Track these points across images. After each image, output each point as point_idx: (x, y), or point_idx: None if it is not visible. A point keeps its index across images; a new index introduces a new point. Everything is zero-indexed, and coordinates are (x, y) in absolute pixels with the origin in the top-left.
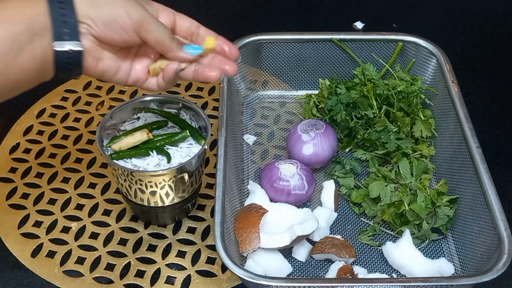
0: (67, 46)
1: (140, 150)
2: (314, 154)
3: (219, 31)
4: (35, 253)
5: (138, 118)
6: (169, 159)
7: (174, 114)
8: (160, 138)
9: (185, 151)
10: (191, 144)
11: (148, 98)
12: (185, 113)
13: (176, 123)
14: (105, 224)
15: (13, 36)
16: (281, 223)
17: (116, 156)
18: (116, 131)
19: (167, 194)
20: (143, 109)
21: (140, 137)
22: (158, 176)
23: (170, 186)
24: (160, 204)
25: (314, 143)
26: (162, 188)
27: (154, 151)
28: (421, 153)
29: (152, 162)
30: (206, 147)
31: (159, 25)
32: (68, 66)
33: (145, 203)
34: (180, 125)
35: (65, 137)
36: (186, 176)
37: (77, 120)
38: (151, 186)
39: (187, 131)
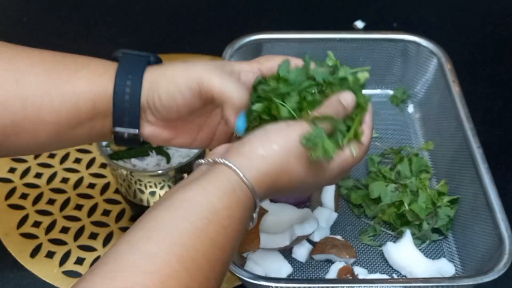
0: (126, 132)
1: (140, 150)
2: None
3: (219, 30)
4: (34, 253)
5: None
6: (168, 159)
7: None
8: None
9: (185, 151)
10: None
11: None
12: None
13: None
14: (104, 225)
15: (76, 112)
16: (281, 223)
17: (115, 156)
18: None
19: (160, 196)
20: None
21: None
22: (157, 176)
23: (169, 186)
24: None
25: None
26: (161, 188)
27: (153, 151)
28: (419, 149)
29: (151, 162)
30: None
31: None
32: (127, 142)
33: (145, 203)
34: None
35: None
36: (185, 176)
37: None
38: (151, 186)
39: None
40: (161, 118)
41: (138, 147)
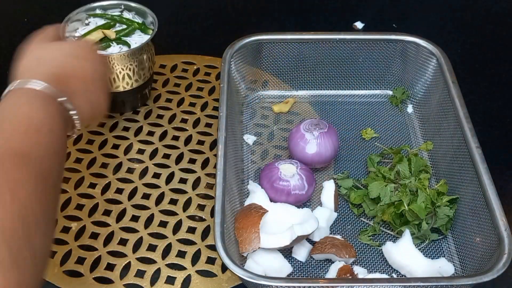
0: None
1: (102, 45)
2: (317, 154)
3: (219, 31)
4: None
5: (89, 23)
6: (128, 45)
7: (119, 15)
8: (115, 32)
9: (138, 39)
10: (140, 35)
11: (94, 5)
12: (127, 14)
13: (122, 23)
14: (105, 224)
15: None
16: (281, 223)
17: None
18: (73, 37)
19: (129, 77)
20: (91, 15)
21: (97, 35)
22: (123, 58)
23: (132, 69)
24: (122, 89)
25: (317, 142)
26: (128, 69)
27: (113, 42)
28: (418, 149)
29: (114, 51)
30: (155, 32)
31: None
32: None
33: (121, 89)
34: (126, 23)
35: None
36: (145, 57)
37: None
38: (121, 72)
39: (135, 23)
40: None
41: None
